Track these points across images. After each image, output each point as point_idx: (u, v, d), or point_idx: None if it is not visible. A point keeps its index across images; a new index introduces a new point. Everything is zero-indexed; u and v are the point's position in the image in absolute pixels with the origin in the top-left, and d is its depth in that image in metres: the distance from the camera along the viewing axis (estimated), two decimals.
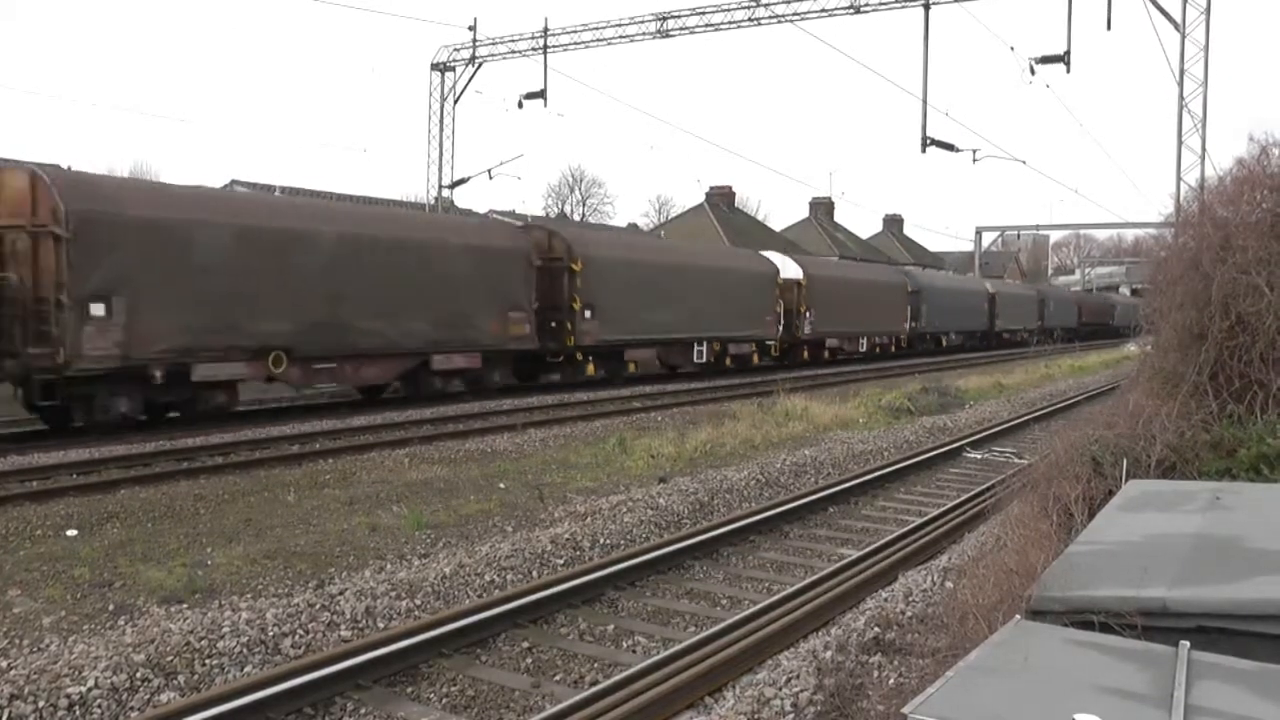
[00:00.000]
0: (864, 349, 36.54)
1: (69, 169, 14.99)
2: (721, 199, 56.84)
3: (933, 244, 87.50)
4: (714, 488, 11.03)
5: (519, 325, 20.73)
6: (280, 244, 16.12)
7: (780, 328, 30.27)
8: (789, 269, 31.64)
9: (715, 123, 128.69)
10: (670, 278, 25.53)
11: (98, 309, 13.60)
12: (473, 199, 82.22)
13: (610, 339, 23.25)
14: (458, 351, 19.62)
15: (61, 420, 14.75)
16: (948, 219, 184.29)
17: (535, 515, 9.88)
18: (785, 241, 55.85)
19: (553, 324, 21.95)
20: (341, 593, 6.93)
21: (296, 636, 6.25)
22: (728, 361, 28.61)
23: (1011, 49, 49.24)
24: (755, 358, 29.88)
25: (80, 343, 13.41)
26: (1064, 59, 24.10)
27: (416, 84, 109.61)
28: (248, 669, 5.84)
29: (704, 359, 27.26)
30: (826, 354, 34.08)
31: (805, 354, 32.86)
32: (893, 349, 39.11)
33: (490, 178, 35.26)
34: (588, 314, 22.37)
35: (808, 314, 31.47)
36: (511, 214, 43.49)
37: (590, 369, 23.27)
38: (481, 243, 20.51)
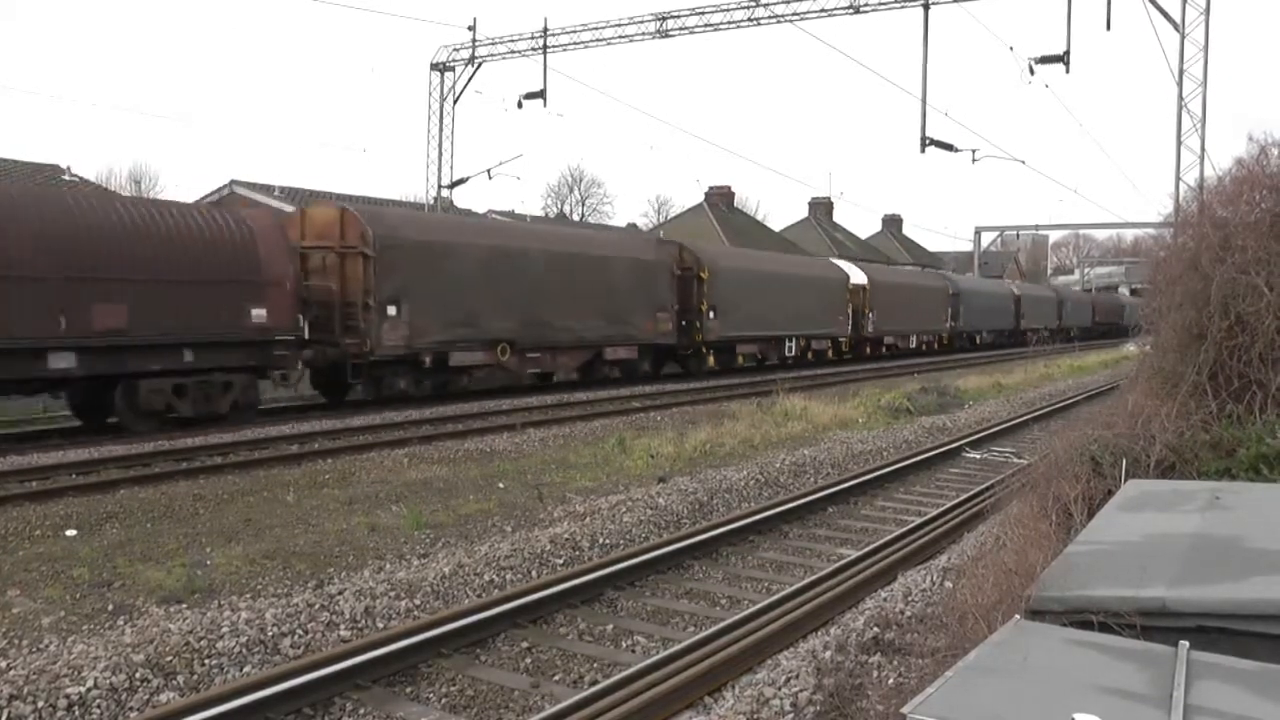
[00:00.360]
0: (913, 345, 41.12)
1: (367, 205, 20.25)
2: (721, 199, 56.82)
3: (931, 244, 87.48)
4: (713, 488, 11.03)
5: (665, 323, 25.57)
6: (507, 260, 20.61)
7: (850, 326, 35.01)
8: (856, 275, 36.06)
9: (714, 123, 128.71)
10: (772, 284, 30.09)
11: (391, 310, 18.08)
12: (472, 199, 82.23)
13: (728, 335, 27.87)
14: (622, 345, 24.30)
15: (339, 395, 19.41)
16: (947, 219, 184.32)
17: (534, 515, 9.88)
18: (784, 241, 55.85)
19: (684, 322, 26.49)
20: (341, 593, 6.93)
21: (296, 636, 6.25)
22: (809, 355, 32.95)
23: (1011, 49, 49.09)
24: (830, 352, 34.61)
25: (380, 335, 17.90)
26: (1063, 59, 24.08)
27: (416, 84, 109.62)
28: (247, 669, 5.84)
29: (793, 353, 31.71)
30: (884, 349, 38.69)
31: (868, 349, 37.37)
32: (936, 345, 43.24)
33: (490, 178, 35.28)
34: (711, 315, 26.94)
35: (870, 315, 36.13)
36: (511, 214, 43.54)
37: (711, 361, 27.69)
38: (640, 256, 25.35)
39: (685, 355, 27.29)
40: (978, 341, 47.94)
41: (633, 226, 60.52)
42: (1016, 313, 52.01)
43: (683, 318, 26.28)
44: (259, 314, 15.69)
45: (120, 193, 42.28)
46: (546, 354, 21.98)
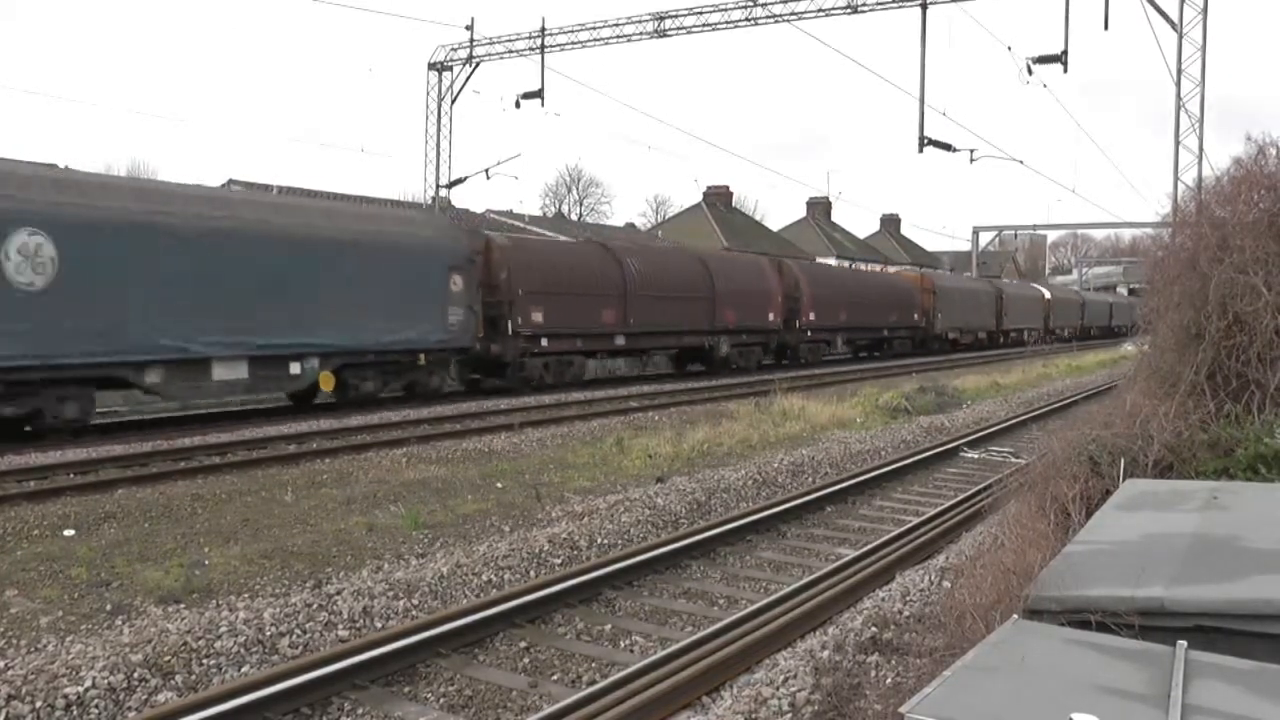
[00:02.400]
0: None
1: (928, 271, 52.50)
2: (719, 199, 56.89)
3: (930, 244, 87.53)
4: (711, 487, 11.03)
5: (990, 322, 49.43)
6: (954, 295, 44.92)
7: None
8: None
9: (712, 123, 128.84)
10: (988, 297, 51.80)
11: (940, 317, 42.86)
12: (470, 199, 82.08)
13: (1013, 327, 51.91)
14: (980, 331, 48.63)
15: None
16: (945, 219, 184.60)
17: (532, 515, 9.88)
18: (783, 241, 55.86)
19: (983, 320, 49.49)
20: (339, 592, 6.93)
21: (294, 636, 6.25)
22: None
23: (1009, 49, 49.08)
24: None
25: (935, 325, 42.78)
26: (1061, 59, 24.11)
27: (414, 84, 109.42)
28: (245, 669, 5.84)
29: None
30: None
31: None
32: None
33: (488, 177, 35.27)
34: (939, 316, 46.11)
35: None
36: (509, 214, 43.51)
37: (1003, 340, 50.12)
38: (988, 289, 49.89)
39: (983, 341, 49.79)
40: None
41: (630, 227, 60.51)
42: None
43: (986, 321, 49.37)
44: (918, 318, 39.64)
45: None
46: (968, 333, 46.66)
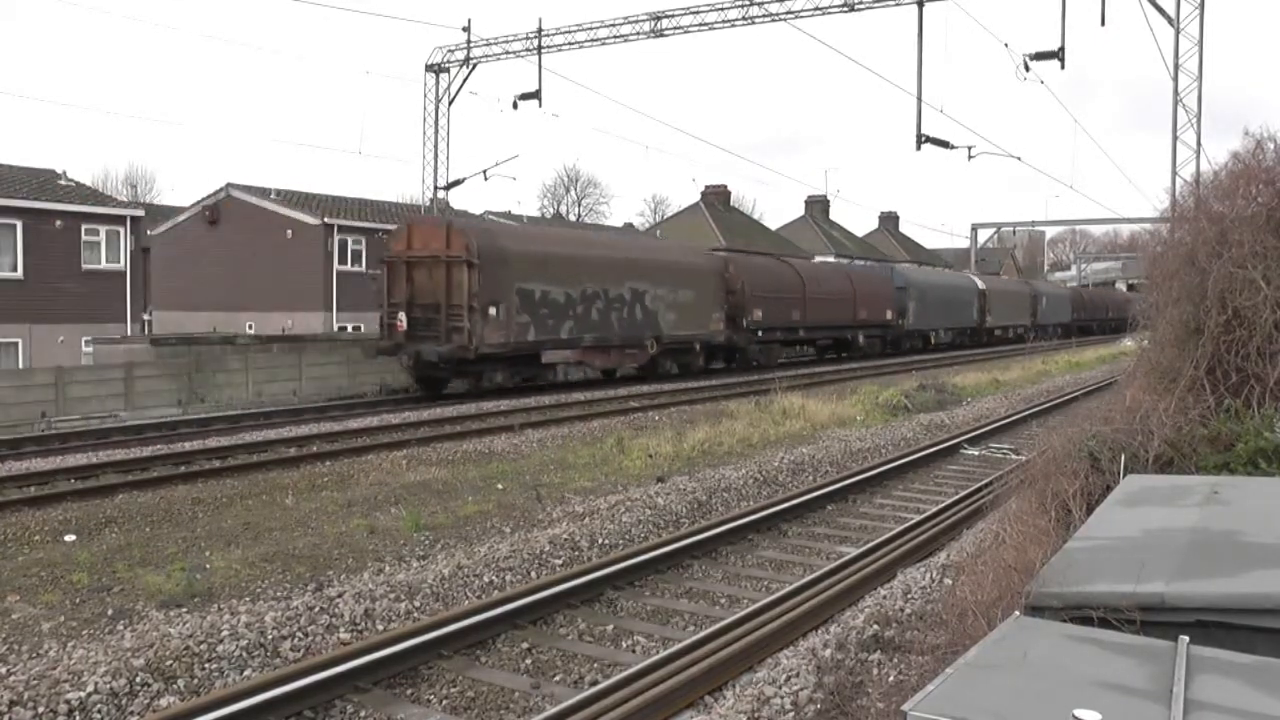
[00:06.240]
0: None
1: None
2: (717, 198, 56.87)
3: (928, 241, 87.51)
4: (712, 487, 11.03)
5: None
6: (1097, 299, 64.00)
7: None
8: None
9: (710, 122, 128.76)
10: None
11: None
12: (468, 200, 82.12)
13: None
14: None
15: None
16: (943, 216, 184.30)
17: (533, 516, 9.88)
18: (781, 240, 55.84)
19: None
20: (340, 595, 6.93)
21: (296, 639, 6.25)
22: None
23: (1005, 45, 48.99)
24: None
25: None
26: (1058, 55, 24.08)
27: (411, 86, 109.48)
28: (247, 672, 5.84)
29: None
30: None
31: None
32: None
33: (485, 179, 35.08)
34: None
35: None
36: (507, 215, 43.52)
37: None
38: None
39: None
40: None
41: (629, 226, 60.53)
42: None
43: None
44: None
45: (116, 196, 42.18)
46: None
